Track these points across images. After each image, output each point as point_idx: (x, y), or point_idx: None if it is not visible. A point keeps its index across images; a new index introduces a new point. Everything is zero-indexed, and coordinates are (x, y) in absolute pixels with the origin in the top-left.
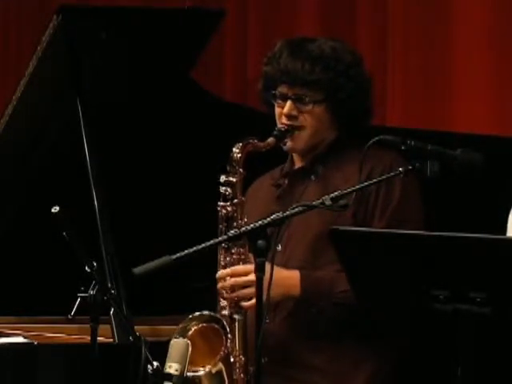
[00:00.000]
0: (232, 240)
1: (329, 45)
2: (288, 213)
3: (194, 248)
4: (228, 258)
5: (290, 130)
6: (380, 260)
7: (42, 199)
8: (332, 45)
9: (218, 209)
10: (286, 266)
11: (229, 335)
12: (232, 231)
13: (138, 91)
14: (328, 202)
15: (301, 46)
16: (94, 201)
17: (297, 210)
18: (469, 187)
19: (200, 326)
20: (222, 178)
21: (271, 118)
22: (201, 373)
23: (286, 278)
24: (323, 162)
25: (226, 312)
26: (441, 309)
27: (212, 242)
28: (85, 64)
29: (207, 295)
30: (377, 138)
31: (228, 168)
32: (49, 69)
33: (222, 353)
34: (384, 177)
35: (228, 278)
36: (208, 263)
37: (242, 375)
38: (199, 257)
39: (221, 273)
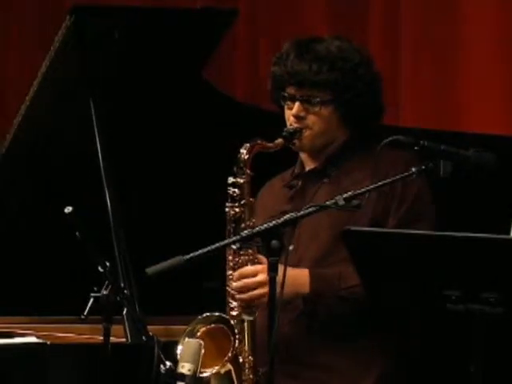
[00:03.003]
0: (245, 240)
1: (335, 45)
2: (302, 213)
3: (207, 248)
4: (237, 259)
5: (299, 131)
6: (392, 260)
7: (54, 199)
8: (339, 44)
9: (226, 210)
10: (298, 265)
11: (237, 336)
12: (246, 231)
13: (150, 90)
14: (341, 202)
15: (308, 47)
16: (106, 201)
17: (310, 209)
18: (481, 187)
19: (208, 326)
20: (230, 180)
21: (282, 118)
22: (209, 373)
23: (295, 277)
24: (336, 164)
25: (235, 313)
26: (453, 309)
27: (225, 241)
28: (97, 64)
29: (219, 295)
30: (390, 139)
31: (235, 169)
32: (62, 69)
33: (230, 353)
34: (398, 177)
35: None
36: (220, 263)
37: (251, 376)
38: (211, 257)
39: (230, 275)
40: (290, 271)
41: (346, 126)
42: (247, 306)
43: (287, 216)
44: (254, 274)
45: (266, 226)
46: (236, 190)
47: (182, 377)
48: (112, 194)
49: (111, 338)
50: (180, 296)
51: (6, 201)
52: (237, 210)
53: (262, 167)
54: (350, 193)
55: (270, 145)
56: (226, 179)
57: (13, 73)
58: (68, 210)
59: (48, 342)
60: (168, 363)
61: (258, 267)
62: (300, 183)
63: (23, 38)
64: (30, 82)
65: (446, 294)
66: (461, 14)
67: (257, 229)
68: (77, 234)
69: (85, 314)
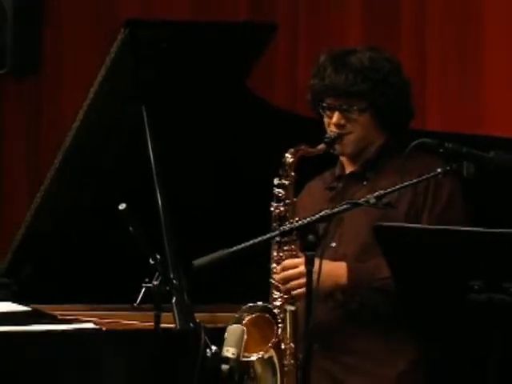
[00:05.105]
0: (284, 235)
1: (367, 56)
2: (335, 210)
3: (249, 242)
4: (281, 254)
5: (339, 137)
6: (421, 254)
7: (111, 197)
8: (370, 55)
9: (272, 209)
10: (342, 260)
11: (280, 324)
12: (283, 227)
13: (196, 98)
14: (372, 200)
15: (342, 60)
16: (157, 199)
17: (344, 207)
18: (503, 188)
19: (254, 315)
20: (276, 181)
21: (320, 124)
22: (254, 358)
23: (334, 269)
24: (374, 168)
25: (278, 303)
26: (476, 298)
27: (266, 236)
28: (149, 72)
29: (259, 285)
30: (417, 142)
31: (281, 171)
32: (116, 77)
33: (273, 340)
34: (424, 177)
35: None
36: (261, 257)
37: (291, 361)
38: (253, 251)
39: (274, 268)
40: (329, 264)
41: (382, 131)
42: (289, 297)
43: (322, 213)
44: (296, 266)
45: (302, 222)
46: (281, 190)
47: (227, 360)
48: (163, 193)
49: (161, 324)
50: (224, 286)
51: (67, 200)
52: (281, 209)
53: (303, 170)
54: (380, 192)
55: (313, 150)
56: (267, 180)
57: (70, 81)
58: (122, 206)
59: (103, 328)
60: (213, 347)
61: (299, 260)
62: (341, 185)
63: (81, 50)
64: (87, 89)
65: (469, 284)
66: (486, 21)
67: (294, 224)
68: (130, 229)
69: (137, 302)
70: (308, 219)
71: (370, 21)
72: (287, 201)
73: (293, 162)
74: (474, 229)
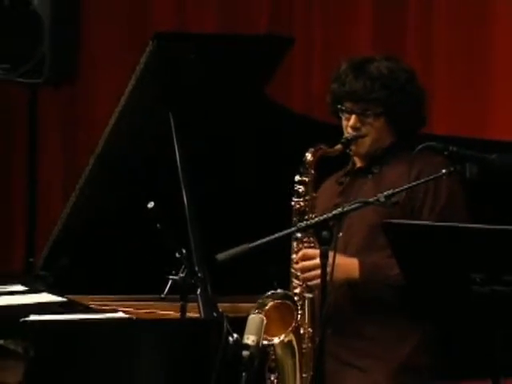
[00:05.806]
0: (300, 231)
1: (385, 65)
2: (347, 208)
3: (268, 238)
4: (300, 246)
5: (355, 139)
6: (427, 248)
7: (139, 196)
8: (388, 65)
9: (293, 204)
10: (345, 249)
11: (299, 311)
12: (300, 224)
13: (219, 105)
14: (382, 199)
15: (362, 68)
16: (183, 198)
17: (355, 205)
18: (506, 188)
19: (275, 302)
20: (297, 178)
21: (335, 128)
22: (275, 341)
23: (347, 264)
24: (379, 163)
25: (297, 291)
26: (479, 290)
27: (283, 232)
28: (176, 81)
29: (278, 277)
30: (423, 145)
31: (301, 169)
32: (145, 86)
33: (293, 325)
34: (431, 177)
35: (300, 261)
36: (280, 251)
37: (309, 344)
38: (274, 245)
39: (294, 257)
40: (342, 259)
41: (393, 134)
42: (307, 285)
43: (335, 211)
44: (314, 257)
45: (317, 219)
46: (301, 186)
47: (247, 347)
48: (188, 192)
49: (187, 314)
50: (245, 278)
51: (99, 199)
52: (302, 204)
53: (321, 168)
54: (389, 191)
55: (331, 150)
56: (286, 179)
57: (104, 89)
58: (150, 204)
59: (134, 318)
60: (235, 335)
61: (316, 251)
62: (348, 180)
63: (114, 59)
64: (118, 98)
65: (472, 277)
66: (494, 24)
67: (309, 222)
68: (158, 225)
69: (164, 293)
70: (322, 217)
71: (378, 29)
72: (307, 196)
73: (312, 160)
74: (478, 226)
